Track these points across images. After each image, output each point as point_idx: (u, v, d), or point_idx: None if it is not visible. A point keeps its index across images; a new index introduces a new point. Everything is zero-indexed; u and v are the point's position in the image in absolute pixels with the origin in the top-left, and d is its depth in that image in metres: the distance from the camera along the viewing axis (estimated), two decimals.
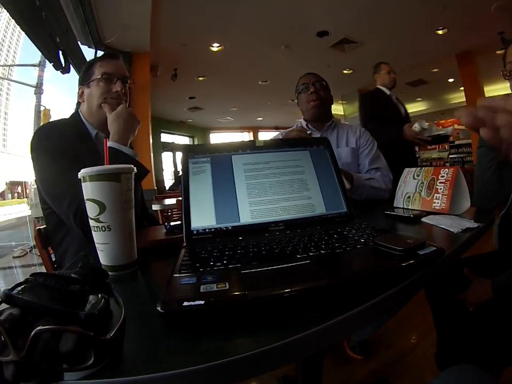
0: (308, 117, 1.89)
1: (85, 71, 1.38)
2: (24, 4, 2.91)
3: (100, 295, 0.49)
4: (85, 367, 0.36)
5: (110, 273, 0.69)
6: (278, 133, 1.92)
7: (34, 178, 1.27)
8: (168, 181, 10.98)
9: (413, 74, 8.63)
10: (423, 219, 1.03)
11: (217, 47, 6.02)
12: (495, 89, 9.51)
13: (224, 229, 0.84)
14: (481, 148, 1.34)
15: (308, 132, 1.77)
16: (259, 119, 13.01)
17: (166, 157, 11.70)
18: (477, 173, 1.36)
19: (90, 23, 4.21)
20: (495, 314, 1.15)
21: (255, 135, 14.13)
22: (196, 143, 11.98)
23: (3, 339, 0.35)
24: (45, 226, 1.38)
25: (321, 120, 1.87)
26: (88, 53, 4.61)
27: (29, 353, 0.33)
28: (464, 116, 0.52)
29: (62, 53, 3.54)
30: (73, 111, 1.44)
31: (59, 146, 1.22)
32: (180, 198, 0.86)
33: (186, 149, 0.94)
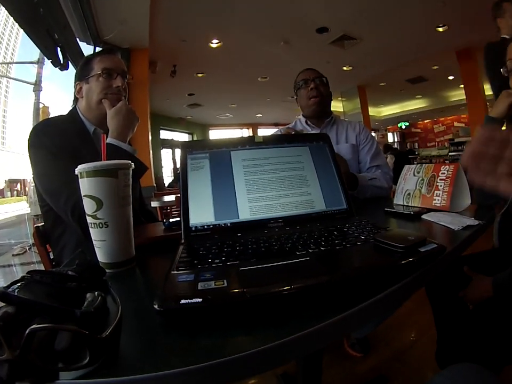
0: (307, 113, 1.88)
1: (83, 66, 1.37)
2: (21, 0, 2.89)
3: (96, 292, 0.48)
4: (80, 366, 0.36)
5: (107, 270, 0.69)
6: (277, 129, 1.91)
7: (32, 175, 1.27)
8: (168, 178, 10.99)
9: (413, 71, 8.66)
10: (423, 216, 1.02)
11: (217, 43, 6.01)
12: None
13: (223, 225, 0.83)
14: (487, 120, 1.33)
15: (300, 129, 1.78)
16: (258, 115, 13.01)
17: (165, 153, 11.72)
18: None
19: (89, 20, 4.20)
20: (495, 312, 1.15)
21: (255, 132, 14.14)
22: (195, 139, 11.97)
23: None
24: (43, 223, 1.38)
25: (321, 116, 1.87)
26: (87, 50, 4.61)
27: (23, 351, 0.33)
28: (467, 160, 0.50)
29: (60, 50, 3.54)
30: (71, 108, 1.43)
31: (57, 143, 1.21)
32: (179, 195, 0.85)
33: (184, 145, 0.93)
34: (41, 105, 6.92)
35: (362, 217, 0.87)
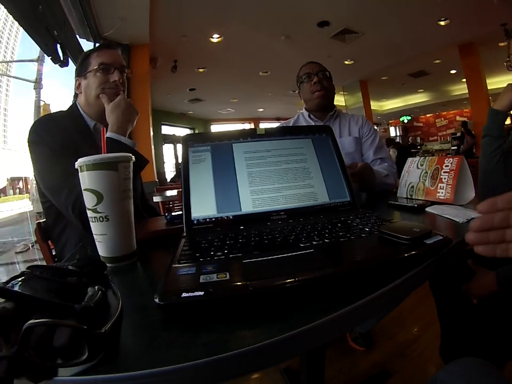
0: (311, 107, 1.87)
1: (81, 62, 1.36)
2: None
3: (96, 287, 0.47)
4: (79, 362, 0.35)
5: (108, 264, 0.68)
6: (279, 124, 1.90)
7: (33, 171, 1.25)
8: (170, 173, 10.98)
9: (415, 65, 8.61)
10: (427, 209, 1.01)
11: (217, 38, 5.97)
12: (498, 81, 9.46)
13: (225, 218, 0.82)
14: (486, 137, 1.32)
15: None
16: (260, 110, 12.98)
17: (167, 149, 11.71)
18: (481, 162, 1.34)
19: (88, 16, 4.17)
20: (499, 307, 1.14)
21: (256, 126, 14.11)
22: (196, 132, 11.98)
23: None
24: (44, 220, 1.37)
25: (324, 110, 1.86)
26: (87, 46, 4.57)
27: (21, 348, 0.32)
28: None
29: (60, 47, 3.51)
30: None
31: (57, 139, 1.20)
32: (181, 189, 0.84)
33: (186, 138, 0.92)
34: (42, 103, 6.91)
35: (366, 209, 0.86)
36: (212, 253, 0.61)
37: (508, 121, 1.32)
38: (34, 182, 1.33)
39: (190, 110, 11.48)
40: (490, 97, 7.51)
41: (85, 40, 4.57)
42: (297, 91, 1.96)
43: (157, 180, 5.70)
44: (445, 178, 1.11)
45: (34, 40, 3.32)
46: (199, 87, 8.91)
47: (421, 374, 1.61)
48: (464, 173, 1.09)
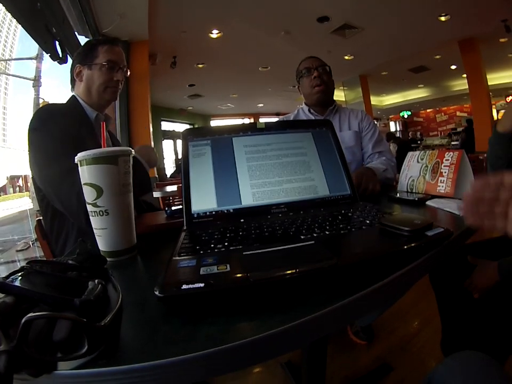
0: (310, 102, 1.87)
1: (87, 51, 1.36)
2: None
3: (96, 280, 0.47)
4: (78, 356, 0.34)
5: (108, 259, 0.68)
6: (279, 118, 1.89)
7: (29, 163, 1.21)
8: (170, 169, 10.98)
9: (415, 60, 8.57)
10: (428, 202, 1.01)
11: (217, 33, 5.95)
12: (498, 77, 9.44)
13: (226, 211, 0.82)
14: (495, 135, 1.30)
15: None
16: (260, 105, 12.96)
17: (167, 145, 11.73)
18: (488, 161, 1.33)
19: (87, 13, 4.15)
20: (500, 301, 1.14)
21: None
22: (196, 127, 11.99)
23: None
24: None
25: (324, 104, 1.85)
26: None
27: (20, 342, 0.32)
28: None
29: (59, 44, 3.49)
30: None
31: (61, 127, 1.18)
32: (181, 185, 0.84)
33: (186, 133, 0.92)
34: (41, 101, 6.88)
35: (367, 202, 0.86)
36: (212, 245, 0.61)
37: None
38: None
39: (190, 105, 11.46)
40: (490, 93, 7.49)
41: (83, 37, 4.55)
42: (296, 86, 1.96)
43: (157, 176, 5.70)
44: (445, 172, 1.11)
45: (32, 38, 3.31)
46: (198, 82, 8.89)
47: (422, 368, 1.61)
48: (465, 166, 1.08)
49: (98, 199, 0.69)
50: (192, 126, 12.28)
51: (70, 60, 3.68)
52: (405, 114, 15.60)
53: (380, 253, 0.54)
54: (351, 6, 5.19)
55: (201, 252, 0.58)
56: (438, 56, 8.42)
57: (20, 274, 0.47)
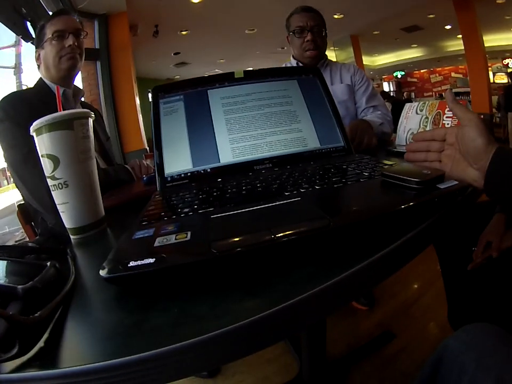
0: (300, 60, 1.71)
1: (38, 34, 1.36)
2: None
3: (49, 263, 0.41)
4: (9, 358, 0.28)
5: (74, 236, 0.64)
6: None
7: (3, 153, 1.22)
8: None
9: (408, 19, 8.32)
10: None
11: None
12: (495, 39, 9.24)
13: (202, 172, 0.73)
14: None
15: None
16: (249, 69, 12.69)
17: None
18: None
19: None
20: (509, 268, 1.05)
21: None
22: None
23: None
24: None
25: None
26: None
27: None
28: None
29: (31, 24, 3.35)
30: None
31: (25, 115, 1.12)
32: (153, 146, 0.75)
33: (155, 89, 0.83)
34: (24, 87, 6.72)
35: (363, 154, 0.75)
36: (179, 210, 0.51)
37: None
38: None
39: (177, 74, 11.22)
40: (487, 55, 7.31)
41: None
42: (286, 36, 1.76)
43: (147, 147, 5.59)
44: (448, 124, 1.02)
45: (0, 21, 3.17)
46: (183, 50, 8.67)
47: (425, 334, 1.57)
48: None
49: (55, 170, 0.61)
50: None
51: None
52: (399, 74, 15.40)
53: (383, 211, 0.43)
54: None
55: (165, 219, 0.49)
56: (431, 16, 8.14)
57: None
